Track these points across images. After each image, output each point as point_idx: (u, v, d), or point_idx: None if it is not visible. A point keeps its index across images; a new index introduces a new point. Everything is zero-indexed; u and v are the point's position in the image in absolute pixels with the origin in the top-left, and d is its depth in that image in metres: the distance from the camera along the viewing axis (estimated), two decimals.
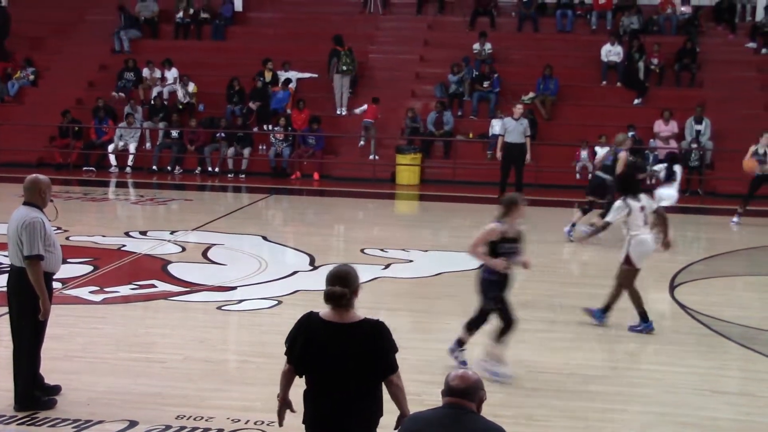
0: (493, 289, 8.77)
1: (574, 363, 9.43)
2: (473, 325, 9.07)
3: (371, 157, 22.73)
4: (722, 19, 25.76)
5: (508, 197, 8.92)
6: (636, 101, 23.64)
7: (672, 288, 12.71)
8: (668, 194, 16.41)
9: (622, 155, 15.19)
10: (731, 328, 10.80)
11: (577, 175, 21.77)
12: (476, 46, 24.80)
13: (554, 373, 9.09)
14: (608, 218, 10.83)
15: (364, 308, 5.64)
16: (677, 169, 17.74)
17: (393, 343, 5.39)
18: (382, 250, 14.52)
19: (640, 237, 10.43)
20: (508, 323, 8.87)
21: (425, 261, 14.08)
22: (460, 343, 9.12)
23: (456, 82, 23.92)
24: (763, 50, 24.79)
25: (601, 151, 18.86)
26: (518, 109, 19.37)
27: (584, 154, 21.89)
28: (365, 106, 22.93)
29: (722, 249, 15.39)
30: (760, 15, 25.72)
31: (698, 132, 22.09)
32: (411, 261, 13.98)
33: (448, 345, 9.14)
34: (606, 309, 10.69)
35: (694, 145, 21.90)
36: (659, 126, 22.33)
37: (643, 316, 10.47)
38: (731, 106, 22.76)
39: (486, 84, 23.75)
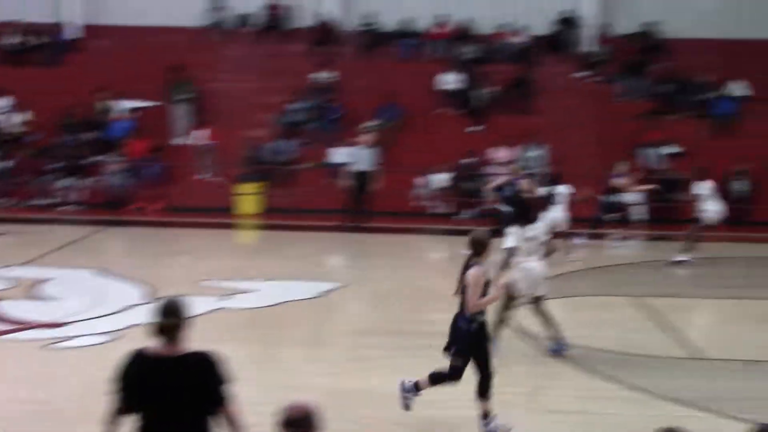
0: (466, 344, 8.27)
1: None
2: (441, 381, 8.56)
3: (208, 176, 22.54)
4: (555, 48, 26.69)
5: (479, 237, 8.42)
6: (474, 128, 24.18)
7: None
8: (556, 217, 16.70)
9: (524, 183, 15.53)
10: (568, 348, 11.09)
11: (418, 202, 22.13)
12: (317, 74, 24.91)
13: (397, 400, 9.12)
14: (506, 245, 10.88)
15: (204, 340, 5.55)
16: (562, 189, 17.96)
17: (225, 374, 5.33)
18: (223, 280, 14.33)
19: (526, 265, 10.63)
20: (486, 376, 8.40)
21: (268, 290, 13.97)
22: (417, 388, 8.68)
23: (297, 110, 23.94)
24: (592, 79, 25.78)
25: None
26: (366, 137, 19.63)
27: (424, 180, 22.26)
28: (202, 131, 22.76)
29: (561, 270, 15.83)
30: (589, 46, 26.76)
31: (534, 158, 22.72)
32: (253, 291, 13.85)
33: (404, 379, 8.72)
34: (555, 338, 10.81)
35: (531, 171, 22.50)
36: (496, 153, 22.90)
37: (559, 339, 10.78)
38: (564, 133, 23.55)
39: (328, 112, 23.85)
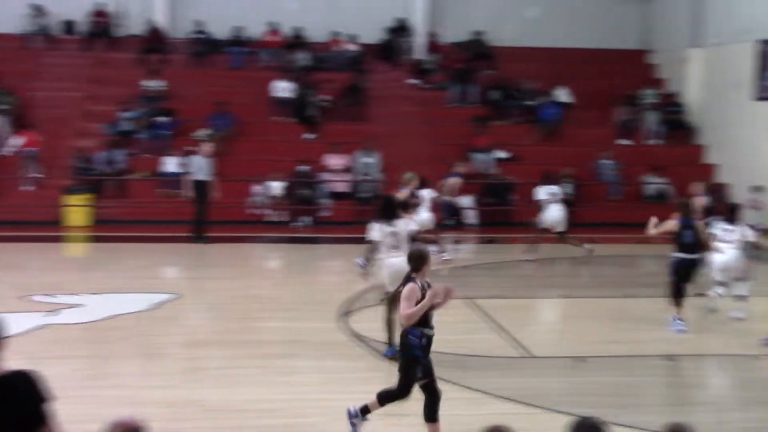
0: (417, 359, 8.06)
1: (253, 398, 9.41)
2: (389, 399, 8.27)
3: (32, 186, 21.78)
4: (386, 57, 27.03)
5: (419, 253, 8.20)
6: (307, 136, 24.21)
7: (344, 316, 13.03)
8: (422, 219, 16.85)
9: (405, 193, 15.56)
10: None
11: (254, 211, 21.98)
12: (147, 82, 24.41)
13: (233, 411, 9.01)
14: (371, 237, 10.94)
15: (30, 358, 5.32)
16: (426, 193, 18.09)
17: (45, 392, 5.11)
18: (50, 295, 13.82)
19: (389, 260, 10.64)
20: (434, 395, 8.19)
21: (99, 304, 13.55)
22: (365, 412, 8.39)
23: (127, 119, 23.39)
24: (423, 86, 26.25)
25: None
26: (206, 147, 19.47)
27: (259, 188, 22.13)
28: (20, 137, 22.00)
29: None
30: (419, 54, 27.23)
31: (368, 165, 22.95)
32: (83, 305, 13.40)
33: (349, 405, 8.46)
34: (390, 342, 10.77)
35: (365, 177, 22.71)
36: (330, 160, 22.99)
37: (391, 341, 10.66)
38: (397, 140, 23.88)
39: (159, 121, 23.40)
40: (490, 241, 21.18)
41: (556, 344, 11.96)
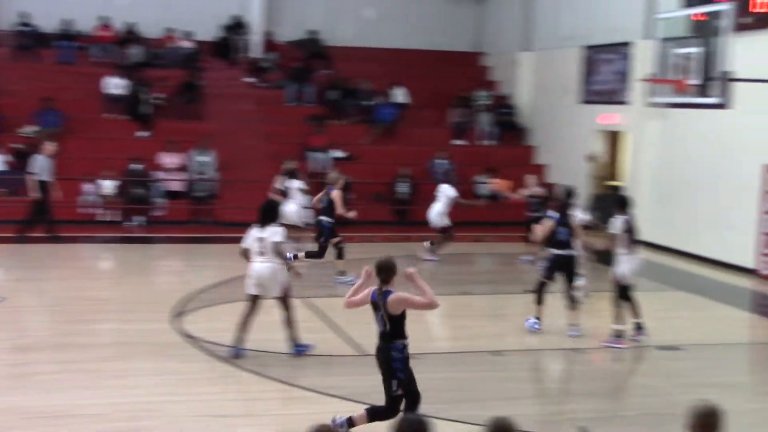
0: (404, 371, 7.96)
1: (82, 403, 9.15)
2: (378, 415, 8.05)
3: None
4: (222, 54, 26.73)
5: (387, 264, 7.94)
6: (141, 134, 23.68)
7: (177, 318, 12.81)
8: (290, 212, 17.02)
9: (335, 194, 15.26)
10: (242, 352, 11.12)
11: (86, 210, 21.34)
12: None
13: (58, 417, 8.73)
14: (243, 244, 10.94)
15: None
16: (296, 184, 17.84)
17: None
18: None
19: (252, 265, 10.74)
20: (415, 400, 8.08)
21: None
22: (351, 424, 8.09)
23: None
24: (260, 84, 26.10)
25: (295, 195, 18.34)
26: (48, 146, 18.84)
27: (91, 187, 21.50)
28: None
29: (229, 276, 15.82)
30: (256, 52, 27.06)
31: (204, 163, 22.63)
32: None
33: (335, 415, 8.14)
34: (293, 340, 11.02)
35: (201, 176, 22.38)
36: (164, 158, 22.56)
37: (296, 341, 10.97)
38: (234, 138, 23.64)
39: None
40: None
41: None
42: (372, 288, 7.96)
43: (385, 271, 7.87)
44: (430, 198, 19.08)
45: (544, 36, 25.42)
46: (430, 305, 7.97)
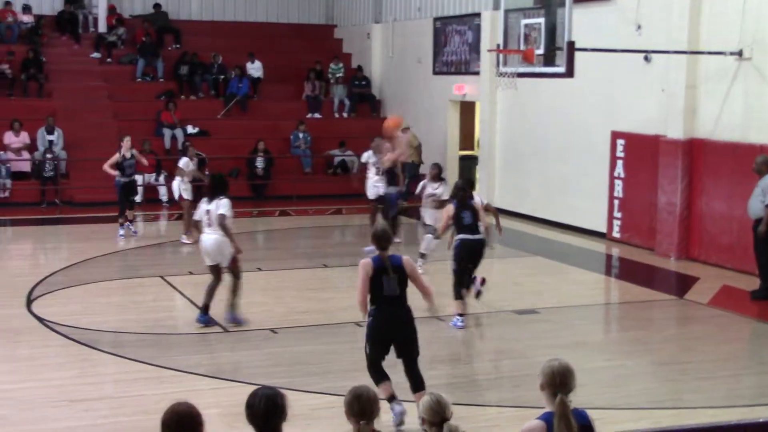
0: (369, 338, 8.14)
1: None
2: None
3: None
4: (65, 29, 25.85)
5: (385, 231, 8.26)
6: None
7: (29, 302, 12.42)
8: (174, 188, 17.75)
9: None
10: (89, 334, 10.87)
11: None
12: None
13: None
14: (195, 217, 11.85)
15: None
16: (182, 163, 17.44)
17: None
18: None
19: (202, 236, 11.26)
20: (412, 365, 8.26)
21: None
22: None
23: None
24: (108, 60, 25.40)
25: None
26: None
27: None
28: None
29: (81, 258, 15.41)
30: (102, 27, 26.30)
31: (51, 142, 21.91)
32: None
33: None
34: (233, 308, 11.43)
35: (48, 156, 21.67)
36: (10, 138, 21.74)
37: (205, 309, 11.33)
38: (81, 116, 22.97)
39: None
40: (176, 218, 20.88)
41: (250, 318, 12.01)
42: (365, 261, 8.11)
43: (386, 239, 8.14)
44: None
45: (396, 8, 25.56)
46: (427, 289, 8.41)
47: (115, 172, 17.04)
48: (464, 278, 11.72)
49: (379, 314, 8.07)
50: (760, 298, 13.04)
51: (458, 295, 11.68)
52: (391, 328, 8.16)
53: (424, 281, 8.45)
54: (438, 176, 14.73)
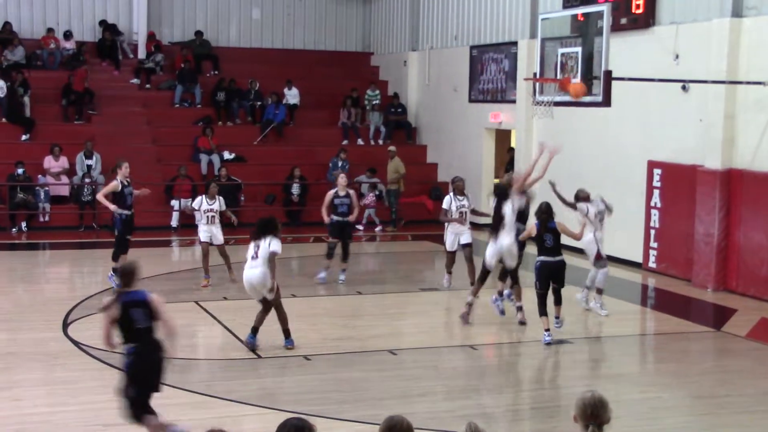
0: None
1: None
2: None
3: None
4: (105, 55, 26.17)
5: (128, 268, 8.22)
6: (23, 137, 23.04)
7: (65, 325, 12.51)
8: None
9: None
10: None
11: None
12: None
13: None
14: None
15: None
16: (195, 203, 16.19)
17: None
18: None
19: (246, 271, 11.35)
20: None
21: None
22: None
23: None
24: (147, 86, 25.67)
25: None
26: None
27: None
28: None
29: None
30: (141, 53, 26.61)
31: (89, 167, 22.14)
32: None
33: None
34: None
35: (87, 180, 21.89)
36: (49, 162, 21.98)
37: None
38: (120, 141, 23.18)
39: None
40: None
41: (282, 344, 12.02)
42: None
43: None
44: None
45: (433, 35, 25.64)
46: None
47: (110, 205, 14.57)
48: (545, 298, 12.17)
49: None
50: None
51: (543, 313, 12.10)
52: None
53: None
54: (462, 190, 14.89)
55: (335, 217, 15.56)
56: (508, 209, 12.60)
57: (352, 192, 15.87)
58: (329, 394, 9.86)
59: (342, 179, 15.93)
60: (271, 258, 11.12)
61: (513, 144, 22.67)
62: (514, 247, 12.67)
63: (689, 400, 10.24)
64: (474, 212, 15.14)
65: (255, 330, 11.52)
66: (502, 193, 12.95)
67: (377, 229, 22.62)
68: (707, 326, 13.68)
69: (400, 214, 23.04)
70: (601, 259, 13.56)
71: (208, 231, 15.39)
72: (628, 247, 17.77)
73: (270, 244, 11.15)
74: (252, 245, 11.32)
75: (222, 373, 10.65)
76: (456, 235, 14.90)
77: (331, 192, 15.67)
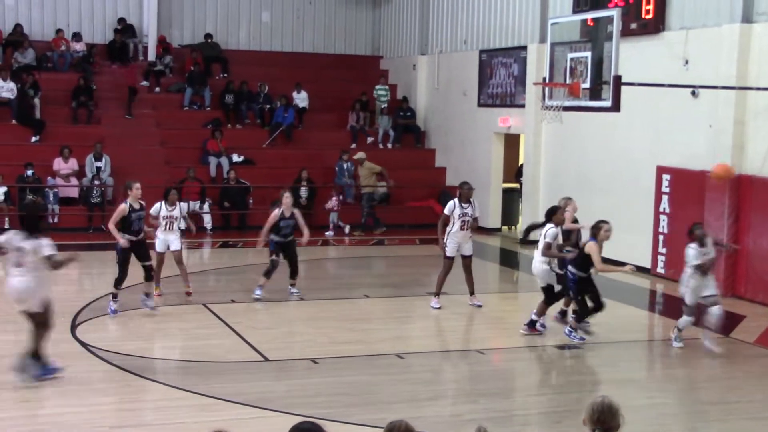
0: None
1: None
2: None
3: None
4: (116, 57, 26.23)
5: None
6: (33, 139, 23.10)
7: (74, 327, 12.54)
8: None
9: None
10: (132, 360, 10.95)
11: None
12: None
13: None
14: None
15: None
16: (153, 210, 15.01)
17: None
18: None
19: (8, 279, 9.94)
20: None
21: None
22: None
23: None
24: (156, 89, 25.71)
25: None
26: None
27: None
28: None
29: (126, 284, 15.40)
30: (151, 55, 26.66)
31: (99, 169, 22.18)
32: None
33: None
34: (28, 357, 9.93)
35: (96, 182, 21.93)
36: (59, 164, 22.02)
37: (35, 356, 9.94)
38: (129, 143, 23.23)
39: None
40: (225, 245, 21.02)
41: (290, 347, 12.04)
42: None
43: None
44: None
45: (442, 39, 25.64)
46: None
47: (117, 235, 13.39)
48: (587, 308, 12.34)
49: None
50: None
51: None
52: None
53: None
54: (469, 197, 14.15)
55: (276, 238, 14.54)
56: (544, 231, 12.43)
57: (297, 212, 14.80)
58: (337, 398, 9.86)
59: (287, 199, 14.72)
60: (51, 264, 9.85)
61: (521, 148, 22.66)
62: (537, 267, 12.55)
63: (697, 406, 10.22)
64: (475, 221, 14.30)
65: (35, 356, 9.97)
66: (547, 214, 12.69)
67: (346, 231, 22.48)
68: (716, 332, 13.63)
69: (370, 220, 22.78)
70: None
71: (165, 239, 14.46)
72: (637, 252, 17.73)
73: (41, 247, 9.75)
74: (14, 250, 9.81)
75: (229, 376, 10.64)
76: (458, 243, 14.15)
77: (277, 212, 14.51)
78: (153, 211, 14.47)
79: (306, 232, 14.80)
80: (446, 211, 14.25)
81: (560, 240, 12.48)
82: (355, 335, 12.75)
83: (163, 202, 14.52)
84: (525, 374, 11.66)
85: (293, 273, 14.93)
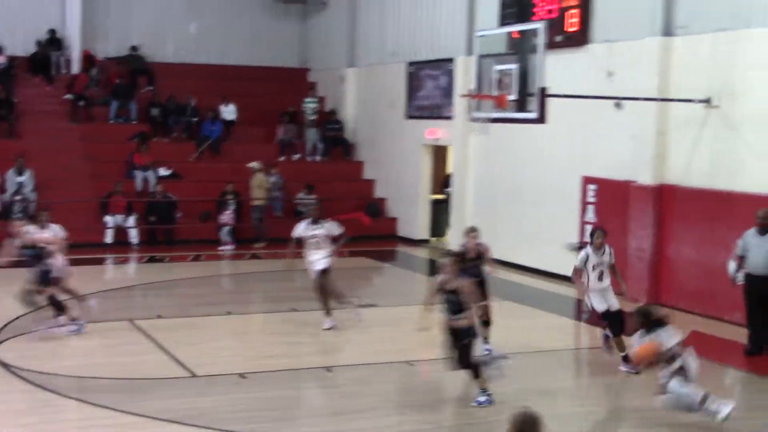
0: None
1: None
2: None
3: None
4: (38, 70, 25.75)
5: None
6: None
7: None
8: None
9: None
10: (54, 380, 10.70)
11: None
12: None
13: None
14: None
15: None
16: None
17: None
18: None
19: None
20: None
21: None
22: None
23: None
24: (81, 102, 25.26)
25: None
26: None
27: None
28: None
29: (44, 301, 15.17)
30: (75, 68, 26.22)
31: (20, 184, 21.73)
32: None
33: None
34: None
35: (18, 197, 21.48)
36: None
37: None
38: (52, 157, 22.80)
39: None
40: (151, 260, 20.74)
41: (218, 362, 11.89)
42: None
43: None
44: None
45: (370, 52, 25.68)
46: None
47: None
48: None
49: None
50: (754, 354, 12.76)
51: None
52: None
53: None
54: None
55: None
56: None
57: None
58: (264, 413, 9.75)
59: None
60: None
61: (451, 159, 22.79)
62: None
63: (623, 413, 10.30)
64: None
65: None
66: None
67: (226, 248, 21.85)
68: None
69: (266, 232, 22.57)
70: None
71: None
72: (564, 262, 17.90)
73: None
74: None
75: (155, 393, 10.46)
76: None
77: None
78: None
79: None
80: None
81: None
82: (283, 349, 12.65)
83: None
84: (450, 385, 11.65)
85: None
